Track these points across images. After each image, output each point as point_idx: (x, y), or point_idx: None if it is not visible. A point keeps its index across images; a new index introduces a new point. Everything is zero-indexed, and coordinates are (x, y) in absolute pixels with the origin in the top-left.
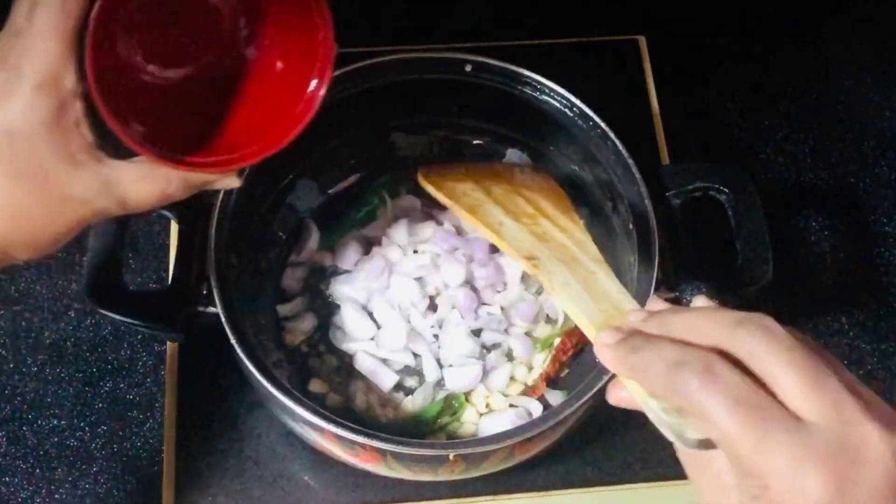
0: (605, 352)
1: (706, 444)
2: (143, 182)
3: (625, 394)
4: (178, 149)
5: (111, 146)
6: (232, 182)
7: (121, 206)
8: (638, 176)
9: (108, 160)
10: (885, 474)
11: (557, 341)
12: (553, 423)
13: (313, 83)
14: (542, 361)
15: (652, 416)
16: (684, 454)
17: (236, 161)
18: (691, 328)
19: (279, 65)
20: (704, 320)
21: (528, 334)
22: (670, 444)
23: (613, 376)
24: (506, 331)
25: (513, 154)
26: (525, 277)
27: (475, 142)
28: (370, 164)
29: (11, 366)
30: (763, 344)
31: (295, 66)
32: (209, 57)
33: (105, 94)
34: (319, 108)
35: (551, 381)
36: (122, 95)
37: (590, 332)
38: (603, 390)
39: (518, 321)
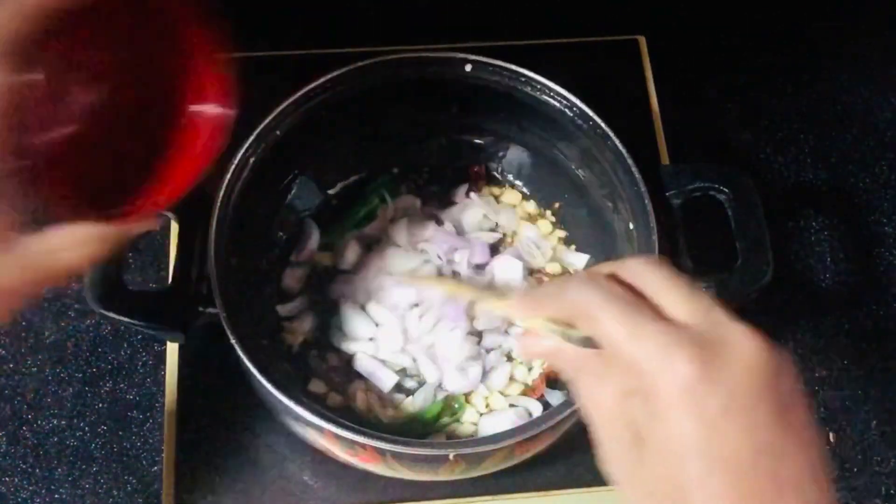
0: (515, 304)
1: (590, 342)
2: (76, 248)
3: (529, 340)
4: (101, 204)
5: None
6: (152, 224)
7: (48, 279)
8: (638, 176)
9: (33, 235)
10: (749, 366)
11: None
12: (553, 423)
13: (215, 118)
14: (541, 362)
15: (550, 343)
16: (586, 406)
17: (156, 206)
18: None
19: (185, 104)
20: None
21: None
22: None
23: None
24: (506, 331)
25: (514, 151)
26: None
27: (476, 141)
28: (370, 164)
29: (11, 366)
30: (643, 264)
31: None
32: (120, 80)
33: (31, 167)
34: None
35: (551, 381)
36: (40, 156)
37: (500, 306)
38: None
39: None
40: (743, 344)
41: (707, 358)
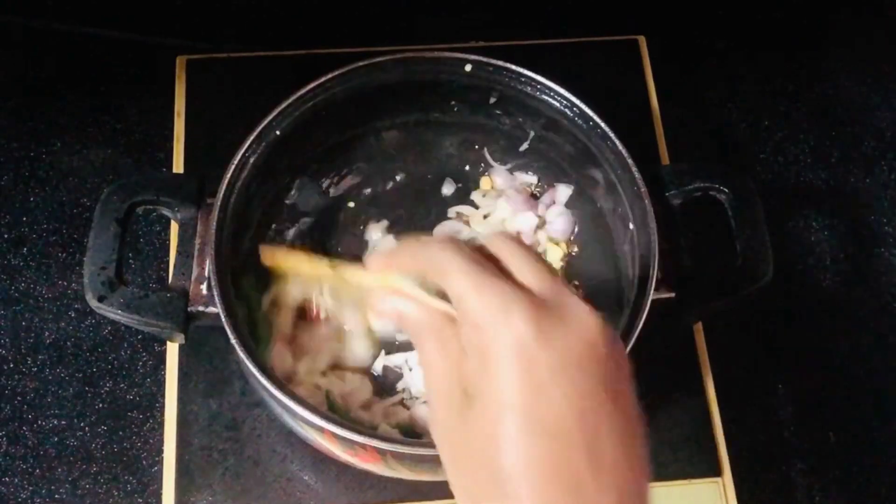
0: (371, 260)
1: (442, 295)
2: None
3: (379, 299)
4: None
5: None
6: None
7: None
8: (638, 176)
9: None
10: (583, 337)
11: None
12: None
13: None
14: None
15: (400, 299)
16: (424, 365)
17: None
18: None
19: None
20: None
21: None
22: (669, 443)
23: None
24: None
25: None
26: None
27: (476, 141)
28: (370, 164)
29: (11, 366)
30: (498, 236)
31: None
32: None
33: None
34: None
35: None
36: None
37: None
38: None
39: None
40: (581, 316)
41: (544, 320)
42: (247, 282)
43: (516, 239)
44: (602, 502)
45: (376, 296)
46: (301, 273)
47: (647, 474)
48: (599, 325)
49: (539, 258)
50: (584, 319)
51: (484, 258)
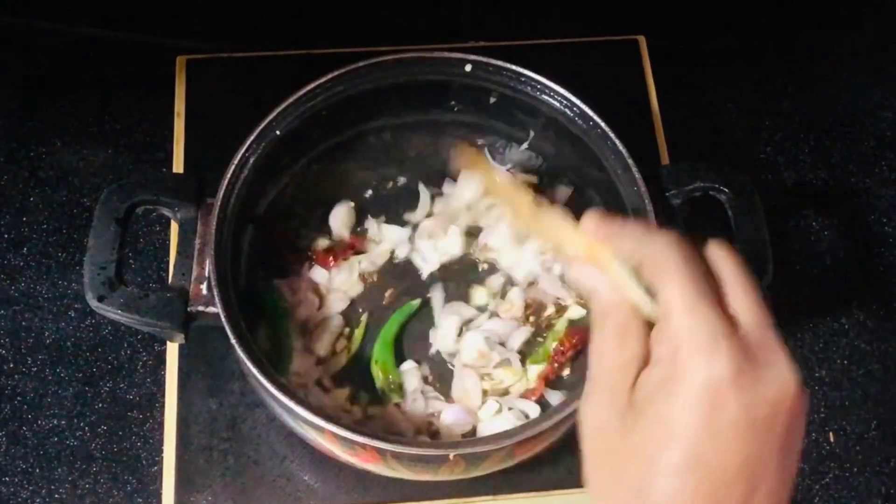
0: (591, 222)
1: (649, 294)
2: None
3: (585, 269)
4: None
5: None
6: None
7: None
8: (638, 176)
9: None
10: (778, 396)
11: (555, 344)
12: (553, 423)
13: None
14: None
15: (605, 278)
16: (595, 353)
17: None
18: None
19: None
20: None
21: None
22: None
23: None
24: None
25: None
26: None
27: (476, 141)
28: (370, 164)
29: (11, 366)
30: (728, 254)
31: None
32: None
33: None
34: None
35: (550, 381)
36: None
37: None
38: None
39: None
40: (783, 373)
41: (747, 368)
42: (269, 298)
43: (740, 260)
44: None
45: (579, 260)
46: (499, 192)
47: None
48: (798, 388)
49: (757, 291)
50: (783, 376)
51: (705, 272)
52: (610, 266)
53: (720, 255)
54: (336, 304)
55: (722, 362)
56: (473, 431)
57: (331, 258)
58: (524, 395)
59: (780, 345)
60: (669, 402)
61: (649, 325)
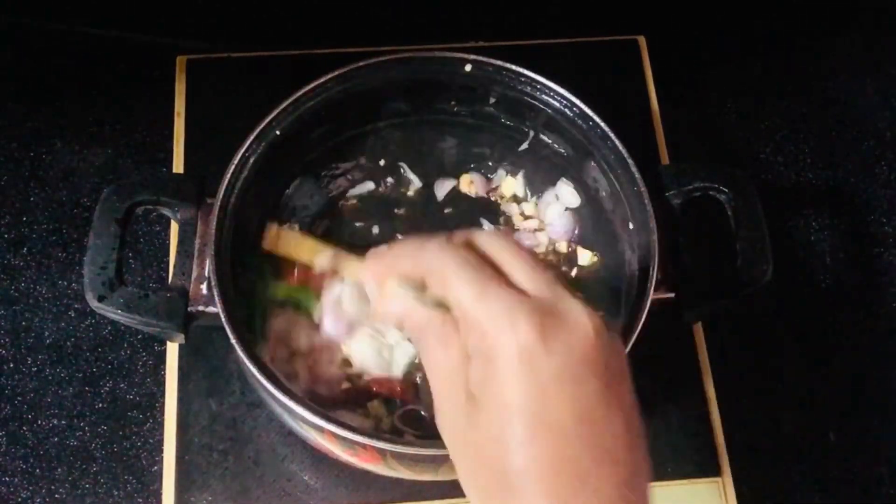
0: (370, 262)
1: (441, 305)
2: None
3: (381, 300)
4: None
5: None
6: None
7: None
8: (638, 176)
9: None
10: (583, 340)
11: None
12: None
13: None
14: None
15: (401, 303)
16: (428, 368)
17: None
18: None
19: None
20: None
21: None
22: (669, 443)
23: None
24: None
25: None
26: None
27: (476, 140)
28: (370, 164)
29: (11, 366)
30: (494, 237)
31: None
32: None
33: None
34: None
35: None
36: None
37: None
38: None
39: None
40: (580, 319)
41: (547, 326)
42: (249, 276)
43: (510, 239)
44: (607, 494)
45: (378, 299)
46: (300, 259)
47: (647, 467)
48: (598, 326)
49: (535, 259)
50: (583, 323)
51: (481, 260)
52: (401, 292)
53: (489, 241)
54: None
55: (523, 330)
56: None
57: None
58: None
59: (570, 295)
60: (495, 384)
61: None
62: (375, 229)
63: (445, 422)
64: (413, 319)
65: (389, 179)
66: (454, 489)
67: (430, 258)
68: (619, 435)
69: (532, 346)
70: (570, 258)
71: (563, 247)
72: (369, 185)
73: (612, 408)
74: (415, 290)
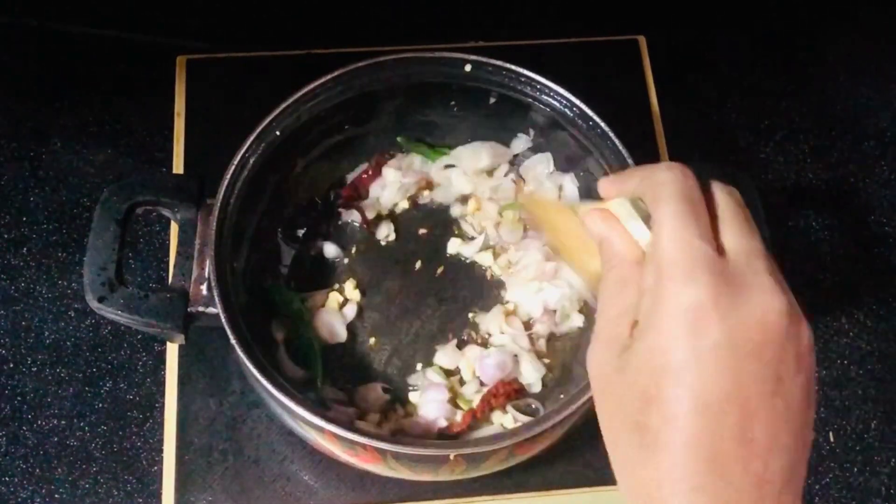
0: (604, 181)
1: (649, 220)
2: None
3: (597, 215)
4: None
5: None
6: None
7: None
8: None
9: None
10: (760, 319)
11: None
12: (553, 423)
13: None
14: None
15: (606, 226)
16: (600, 301)
17: None
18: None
19: None
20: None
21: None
22: None
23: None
24: None
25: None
26: None
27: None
28: (370, 164)
29: (11, 366)
30: (729, 191)
31: None
32: None
33: None
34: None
35: (476, 421)
36: None
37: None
38: None
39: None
40: (765, 297)
41: (725, 291)
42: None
43: (737, 196)
44: (744, 490)
45: (592, 213)
46: (552, 220)
47: (799, 474)
48: (783, 307)
49: (750, 222)
50: (767, 299)
51: (702, 201)
52: (619, 212)
53: (721, 189)
54: None
55: (700, 287)
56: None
57: None
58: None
59: (769, 271)
60: (654, 331)
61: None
62: (381, 234)
63: (595, 359)
64: (612, 246)
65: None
66: (455, 489)
67: (657, 178)
68: (774, 428)
69: (702, 308)
70: None
71: None
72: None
73: (775, 396)
74: (633, 206)
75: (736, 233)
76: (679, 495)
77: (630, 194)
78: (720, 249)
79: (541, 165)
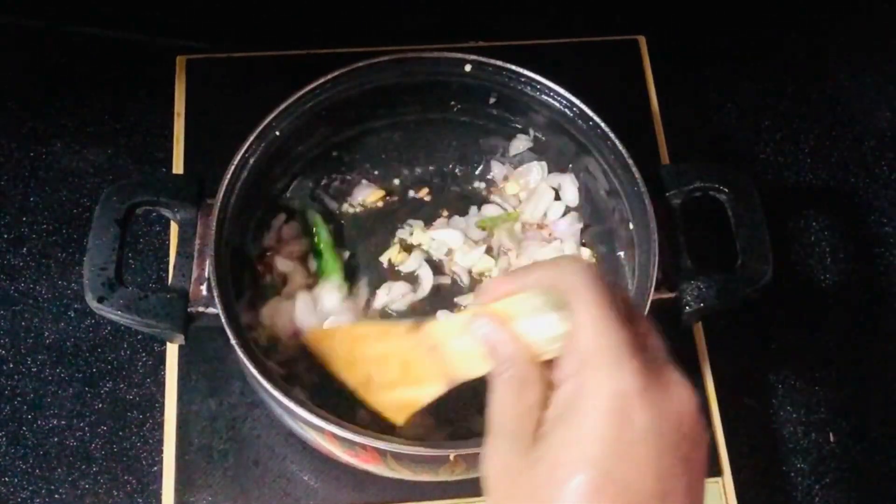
0: (490, 283)
1: (562, 309)
2: None
3: (479, 327)
4: None
5: None
6: None
7: None
8: (638, 176)
9: None
10: (679, 409)
11: None
12: None
13: None
14: None
15: (530, 304)
16: (495, 401)
17: None
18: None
19: None
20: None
21: None
22: None
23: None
24: None
25: (514, 149)
26: None
27: (476, 140)
28: (370, 164)
29: (11, 366)
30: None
31: None
32: None
33: None
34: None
35: None
36: None
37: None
38: None
39: None
40: (681, 390)
41: (651, 383)
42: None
43: (623, 292)
44: None
45: (478, 317)
46: (367, 349)
47: None
48: (696, 402)
49: (652, 323)
50: (683, 393)
51: (615, 291)
52: (520, 306)
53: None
54: None
55: (629, 375)
56: None
57: None
58: None
59: (676, 366)
60: (576, 421)
61: (548, 374)
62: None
63: (496, 460)
64: (504, 348)
65: (390, 180)
66: (455, 490)
67: (568, 269)
68: None
69: (631, 396)
70: None
71: (571, 247)
72: (370, 190)
73: (688, 481)
74: (546, 298)
75: (646, 329)
76: None
77: (534, 289)
78: (641, 341)
79: (534, 173)
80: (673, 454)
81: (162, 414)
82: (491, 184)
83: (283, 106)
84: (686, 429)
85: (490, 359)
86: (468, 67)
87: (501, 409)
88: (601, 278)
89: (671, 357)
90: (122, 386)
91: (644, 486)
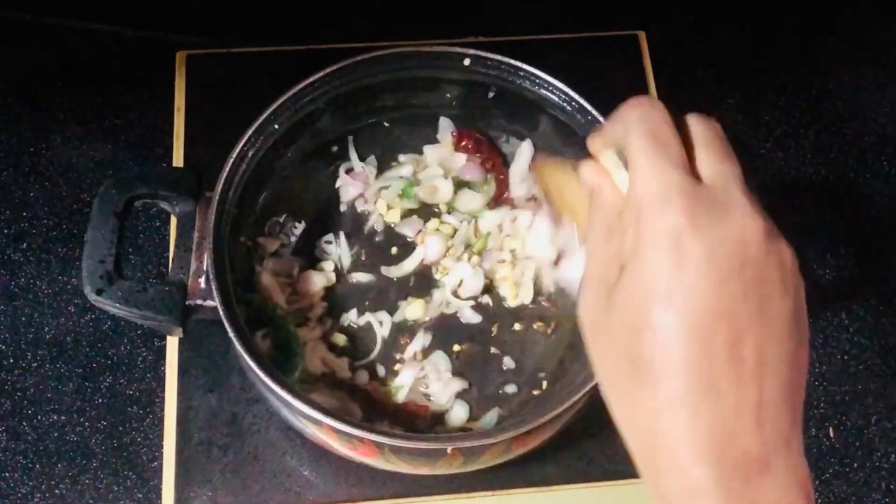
0: (590, 140)
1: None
2: None
3: (587, 173)
4: None
5: None
6: None
7: None
8: None
9: None
10: (738, 236)
11: None
12: (552, 416)
13: None
14: None
15: (596, 175)
16: (586, 248)
17: None
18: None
19: None
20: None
21: None
22: None
23: None
24: None
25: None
26: None
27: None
28: (369, 158)
29: (11, 361)
30: (703, 120)
31: None
32: None
33: None
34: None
35: None
36: None
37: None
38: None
39: None
40: (743, 218)
41: (701, 212)
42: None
43: (715, 126)
44: (741, 412)
45: (586, 165)
46: (559, 184)
47: (796, 398)
48: (762, 228)
49: (730, 151)
50: (745, 220)
51: (672, 134)
52: (605, 163)
53: (698, 120)
54: None
55: (675, 210)
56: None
57: None
58: None
59: (746, 194)
60: (637, 264)
61: None
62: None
63: (585, 305)
64: (600, 196)
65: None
66: (453, 485)
67: (625, 121)
68: (763, 348)
69: (680, 228)
70: None
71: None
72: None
73: (760, 321)
74: (619, 157)
75: (713, 160)
76: (678, 422)
77: (615, 145)
78: (697, 177)
79: (524, 155)
80: (734, 283)
81: (162, 409)
82: None
83: (281, 100)
84: (752, 258)
85: (591, 204)
86: (467, 62)
87: (591, 257)
88: (655, 122)
89: (739, 184)
90: (122, 381)
91: (705, 313)
